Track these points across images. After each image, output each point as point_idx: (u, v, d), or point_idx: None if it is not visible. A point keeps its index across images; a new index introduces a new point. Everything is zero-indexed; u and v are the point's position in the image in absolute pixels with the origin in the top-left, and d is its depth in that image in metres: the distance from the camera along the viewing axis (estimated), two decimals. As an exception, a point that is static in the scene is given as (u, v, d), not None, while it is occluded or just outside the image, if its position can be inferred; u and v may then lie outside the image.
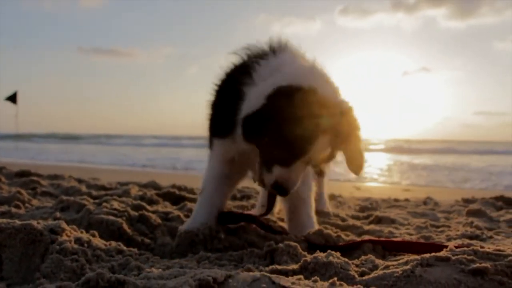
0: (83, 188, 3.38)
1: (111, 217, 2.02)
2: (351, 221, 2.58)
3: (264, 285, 1.17)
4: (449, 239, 2.09)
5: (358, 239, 2.03)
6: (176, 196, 3.17)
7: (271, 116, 1.77)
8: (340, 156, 1.98)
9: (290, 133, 1.74)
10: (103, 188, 3.59)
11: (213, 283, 1.17)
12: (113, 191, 3.28)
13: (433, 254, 1.40)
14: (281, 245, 1.65)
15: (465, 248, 1.45)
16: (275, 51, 2.02)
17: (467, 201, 3.69)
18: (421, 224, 2.53)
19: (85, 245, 1.52)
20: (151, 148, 20.52)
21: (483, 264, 1.30)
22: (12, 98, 14.22)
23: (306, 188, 2.17)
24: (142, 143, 28.07)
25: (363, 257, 1.59)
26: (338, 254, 1.49)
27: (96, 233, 1.73)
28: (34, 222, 1.49)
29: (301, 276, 1.31)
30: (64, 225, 1.57)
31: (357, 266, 1.51)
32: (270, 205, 2.16)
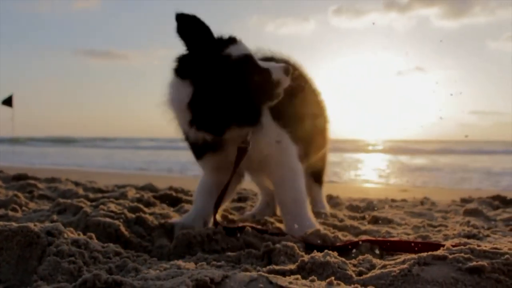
0: (80, 191, 3.38)
1: (108, 219, 2.01)
2: (348, 222, 2.58)
3: (261, 285, 1.18)
4: (446, 239, 2.10)
5: (356, 239, 2.03)
6: (173, 198, 3.18)
7: None
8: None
9: None
10: (100, 190, 3.59)
11: (210, 283, 1.17)
12: (110, 193, 3.28)
13: (430, 253, 1.41)
14: (278, 245, 1.66)
15: (462, 247, 1.45)
16: None
17: (464, 200, 3.70)
18: (418, 224, 2.54)
19: (82, 247, 1.51)
20: (148, 151, 20.49)
21: (480, 263, 1.30)
22: (8, 102, 14.18)
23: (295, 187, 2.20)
24: (138, 145, 28.03)
25: (360, 257, 1.60)
26: (335, 254, 1.50)
27: (93, 235, 1.73)
28: (31, 225, 1.49)
29: (299, 276, 1.31)
30: (61, 227, 1.57)
31: (354, 265, 1.51)
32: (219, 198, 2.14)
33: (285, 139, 2.16)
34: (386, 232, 2.29)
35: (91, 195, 3.13)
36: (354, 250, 1.83)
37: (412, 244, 1.81)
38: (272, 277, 1.23)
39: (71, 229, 1.69)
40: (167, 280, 1.20)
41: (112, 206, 2.35)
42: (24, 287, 1.32)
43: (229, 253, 1.74)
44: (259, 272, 1.30)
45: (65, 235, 1.55)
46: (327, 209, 2.99)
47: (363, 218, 2.84)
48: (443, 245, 1.55)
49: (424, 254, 1.41)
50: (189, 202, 3.06)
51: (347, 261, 1.48)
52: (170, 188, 3.71)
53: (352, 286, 1.25)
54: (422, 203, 3.69)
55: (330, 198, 3.64)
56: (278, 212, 2.86)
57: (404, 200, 3.85)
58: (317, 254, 1.47)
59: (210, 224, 2.16)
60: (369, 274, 1.37)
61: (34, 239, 1.45)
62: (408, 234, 2.28)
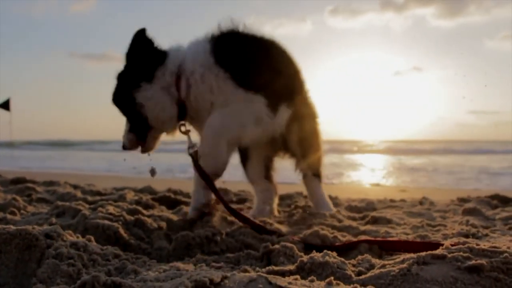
0: (79, 194, 3.37)
1: (107, 222, 2.01)
2: (347, 222, 2.58)
3: (260, 286, 1.18)
4: (445, 238, 2.10)
5: (355, 239, 2.03)
6: (172, 200, 3.18)
7: None
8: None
9: None
10: (98, 193, 3.59)
11: (209, 284, 1.17)
12: (108, 196, 3.28)
13: (429, 252, 1.41)
14: (277, 246, 1.66)
15: (461, 246, 1.45)
16: None
17: (462, 200, 3.70)
18: (417, 224, 2.55)
19: (81, 249, 1.51)
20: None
21: (479, 261, 1.31)
22: (5, 105, 14.15)
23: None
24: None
25: (359, 257, 1.60)
26: (334, 254, 1.50)
27: (92, 238, 1.73)
28: (30, 227, 1.49)
29: (298, 277, 1.31)
30: (60, 230, 1.57)
31: (353, 265, 1.51)
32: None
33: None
34: (385, 232, 2.30)
35: (90, 198, 3.13)
36: (353, 250, 1.83)
37: (411, 244, 1.82)
38: (271, 277, 1.23)
39: (70, 231, 1.69)
40: (166, 282, 1.20)
41: (111, 209, 2.35)
42: (23, 290, 1.32)
43: (228, 254, 1.74)
44: (258, 273, 1.30)
45: (64, 238, 1.55)
46: (331, 207, 2.89)
47: (362, 218, 2.84)
48: (442, 244, 1.55)
49: (423, 253, 1.41)
50: (188, 204, 3.06)
51: (346, 261, 1.48)
52: (169, 190, 3.71)
53: (352, 286, 1.25)
54: (421, 203, 3.69)
55: (329, 198, 3.64)
56: (276, 212, 2.89)
57: (403, 200, 3.85)
58: (316, 254, 1.47)
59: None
60: (369, 274, 1.37)
61: (32, 241, 1.44)
62: (407, 234, 2.28)
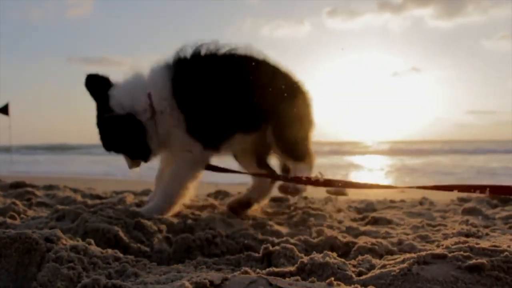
0: (79, 198, 3.36)
1: (107, 225, 2.01)
2: (347, 223, 2.59)
3: (261, 287, 1.18)
4: (445, 238, 2.10)
5: (355, 240, 2.03)
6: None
7: None
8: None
9: None
10: (98, 197, 3.58)
11: (209, 286, 1.17)
12: (108, 199, 3.27)
13: (429, 252, 1.41)
14: (277, 247, 1.66)
15: (461, 245, 1.45)
16: None
17: (462, 200, 3.70)
18: (417, 224, 2.55)
19: (82, 253, 1.51)
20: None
21: (480, 260, 1.31)
22: (4, 110, 14.12)
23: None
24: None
25: (360, 257, 1.60)
26: (334, 254, 1.50)
27: (92, 241, 1.73)
28: (30, 231, 1.48)
29: (298, 278, 1.31)
30: (59, 233, 1.57)
31: (354, 266, 1.51)
32: None
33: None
34: (386, 232, 2.30)
35: (90, 202, 3.12)
36: (353, 251, 1.83)
37: None
38: (272, 279, 1.23)
39: (70, 235, 1.69)
40: (166, 284, 1.20)
41: (111, 212, 2.34)
42: (24, 294, 1.31)
43: (229, 256, 1.74)
44: (258, 274, 1.30)
45: (64, 241, 1.55)
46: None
47: (362, 219, 2.84)
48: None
49: (423, 253, 1.41)
50: (189, 206, 3.06)
51: (347, 262, 1.48)
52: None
53: (352, 286, 1.25)
54: (420, 203, 3.69)
55: (329, 199, 3.64)
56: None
57: (402, 201, 3.85)
58: (316, 255, 1.47)
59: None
60: (369, 274, 1.37)
61: (33, 245, 1.44)
62: (408, 234, 2.28)
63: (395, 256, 1.70)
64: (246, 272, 1.44)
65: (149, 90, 2.45)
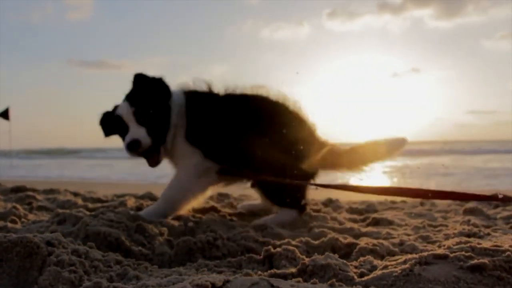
0: (79, 201, 3.36)
1: (108, 229, 2.01)
2: (348, 224, 2.58)
3: (263, 289, 1.17)
4: (447, 238, 2.10)
5: (356, 241, 2.03)
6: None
7: None
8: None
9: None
10: (99, 200, 3.58)
11: (211, 288, 1.17)
12: (109, 203, 3.27)
13: (431, 252, 1.41)
14: (279, 249, 1.66)
15: (463, 245, 1.45)
16: None
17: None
18: (418, 225, 2.54)
19: (83, 256, 1.51)
20: (143, 160, 20.36)
21: (481, 260, 1.30)
22: (4, 114, 14.12)
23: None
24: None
25: (361, 258, 1.60)
26: (336, 256, 1.50)
27: (93, 245, 1.72)
28: (31, 235, 1.48)
29: (300, 279, 1.31)
30: (61, 237, 1.57)
31: (355, 267, 1.51)
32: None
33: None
34: (387, 233, 2.29)
35: (91, 205, 3.12)
36: (354, 252, 1.83)
37: None
38: (273, 280, 1.23)
39: (71, 239, 1.68)
40: (168, 287, 1.20)
41: (112, 215, 2.34)
42: (25, 298, 1.31)
43: (230, 259, 1.74)
44: (260, 276, 1.30)
45: (65, 245, 1.54)
46: None
47: (363, 220, 2.84)
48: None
49: (425, 253, 1.41)
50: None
51: (348, 263, 1.48)
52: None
53: (354, 287, 1.25)
54: (421, 204, 3.68)
55: (330, 201, 3.64)
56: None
57: (403, 202, 3.85)
58: (317, 257, 1.47)
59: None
60: (371, 275, 1.37)
61: (34, 249, 1.44)
62: (409, 235, 2.27)
63: (396, 257, 1.70)
64: (247, 274, 1.44)
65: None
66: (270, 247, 1.70)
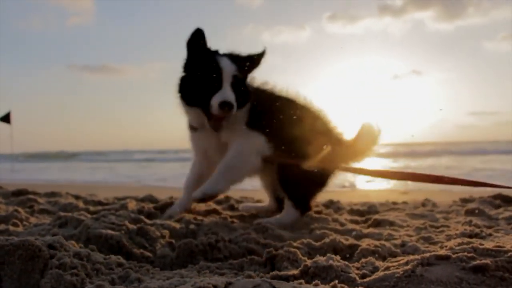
0: (81, 204, 3.36)
1: (109, 231, 2.01)
2: (350, 226, 2.58)
3: (265, 291, 1.17)
4: (449, 239, 2.10)
5: (358, 242, 2.03)
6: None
7: (186, 74, 2.64)
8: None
9: (201, 71, 2.53)
10: (100, 203, 3.58)
11: (214, 290, 1.17)
12: (110, 206, 3.27)
13: (433, 253, 1.41)
14: (280, 251, 1.66)
15: (465, 246, 1.45)
16: None
17: (465, 200, 3.69)
18: (420, 225, 2.54)
19: (85, 259, 1.51)
20: (143, 163, 20.44)
21: (484, 261, 1.30)
22: (6, 119, 14.14)
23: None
24: (133, 158, 27.96)
25: (363, 260, 1.60)
26: (338, 257, 1.50)
27: (95, 248, 1.73)
28: (32, 238, 1.48)
29: (302, 281, 1.31)
30: (62, 240, 1.57)
31: (357, 268, 1.51)
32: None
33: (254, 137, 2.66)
34: (388, 234, 2.29)
35: (92, 208, 3.12)
36: (356, 253, 1.83)
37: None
38: (275, 282, 1.23)
39: (73, 242, 1.68)
40: (170, 289, 1.20)
41: (113, 218, 2.34)
42: (27, 301, 1.31)
43: (232, 261, 1.74)
44: (262, 278, 1.30)
45: (67, 248, 1.55)
46: None
47: (365, 221, 2.83)
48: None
49: (427, 254, 1.40)
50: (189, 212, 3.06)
51: (350, 264, 1.48)
52: (171, 199, 3.70)
53: (356, 288, 1.25)
54: (423, 204, 3.68)
55: (331, 203, 3.64)
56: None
57: (405, 203, 3.84)
58: (319, 259, 1.47)
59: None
60: (373, 277, 1.37)
61: (36, 252, 1.44)
62: (411, 236, 2.27)
63: (398, 258, 1.70)
64: (249, 276, 1.44)
65: None
66: (272, 249, 1.70)
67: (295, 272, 1.43)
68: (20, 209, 2.83)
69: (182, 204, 2.94)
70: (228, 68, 2.51)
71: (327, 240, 2.02)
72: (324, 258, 1.47)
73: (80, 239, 1.98)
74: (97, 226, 2.09)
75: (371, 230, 2.47)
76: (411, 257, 1.47)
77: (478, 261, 1.31)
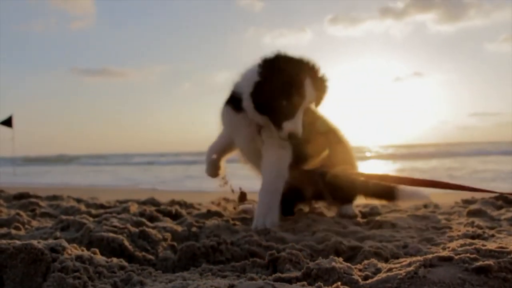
0: (82, 207, 3.36)
1: (111, 234, 2.01)
2: (352, 227, 2.58)
3: (268, 293, 1.17)
4: (451, 240, 2.09)
5: (360, 244, 2.03)
6: (176, 211, 3.16)
7: (267, 83, 2.44)
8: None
9: (286, 91, 2.40)
10: (102, 206, 3.58)
11: (216, 293, 1.17)
12: (112, 209, 3.27)
13: (435, 254, 1.41)
14: (283, 253, 1.65)
15: (468, 247, 1.45)
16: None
17: (467, 202, 3.69)
18: (422, 227, 2.54)
19: (87, 262, 1.51)
20: (143, 166, 20.45)
21: (487, 262, 1.30)
22: (8, 122, 14.16)
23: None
24: (132, 161, 27.99)
25: (365, 261, 1.59)
26: (340, 259, 1.49)
27: (97, 251, 1.72)
28: (35, 242, 1.48)
29: (305, 283, 1.31)
30: (64, 243, 1.57)
31: (360, 270, 1.50)
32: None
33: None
34: (391, 236, 2.29)
35: (94, 211, 3.13)
36: (358, 255, 1.83)
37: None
38: (278, 284, 1.23)
39: (75, 245, 1.68)
40: (173, 292, 1.20)
41: (115, 221, 2.35)
42: (30, 305, 1.31)
43: (234, 263, 1.73)
44: (265, 281, 1.29)
45: (69, 251, 1.55)
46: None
47: (367, 223, 2.83)
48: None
49: (430, 256, 1.40)
50: (191, 214, 3.06)
51: (353, 266, 1.48)
52: (172, 202, 3.71)
53: (359, 290, 1.25)
54: (425, 206, 3.67)
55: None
56: None
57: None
58: (322, 261, 1.47)
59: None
60: (375, 278, 1.36)
61: (38, 256, 1.44)
62: (413, 237, 2.27)
63: (401, 260, 1.69)
64: (252, 279, 1.44)
65: None
66: (274, 251, 1.69)
67: (297, 274, 1.43)
68: (22, 213, 2.84)
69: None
70: (309, 97, 2.49)
71: (329, 242, 2.02)
72: (327, 260, 1.47)
73: (82, 242, 1.98)
74: (99, 229, 2.10)
75: (373, 231, 2.46)
76: (414, 258, 1.46)
77: (480, 262, 1.30)
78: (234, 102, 2.69)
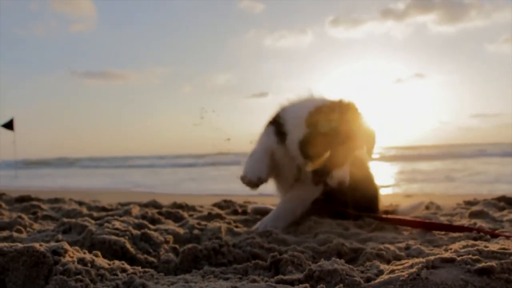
0: (84, 210, 3.37)
1: (113, 237, 2.01)
2: (354, 229, 2.57)
3: (270, 295, 1.17)
4: (453, 241, 2.09)
5: (362, 246, 2.02)
6: (178, 214, 3.17)
7: (318, 136, 2.40)
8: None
9: (337, 142, 2.39)
10: (104, 209, 3.58)
11: (219, 295, 1.17)
12: (114, 211, 3.27)
13: (438, 256, 1.40)
14: (285, 255, 1.65)
15: (470, 248, 1.45)
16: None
17: (469, 203, 3.69)
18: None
19: (89, 265, 1.51)
20: (144, 169, 20.46)
21: (489, 263, 1.30)
22: (9, 125, 14.19)
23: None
24: (132, 164, 28.00)
25: (367, 263, 1.59)
26: (342, 261, 1.49)
27: (99, 253, 1.72)
28: (37, 244, 1.48)
29: (307, 285, 1.31)
30: (66, 246, 1.57)
31: (362, 272, 1.50)
32: None
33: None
34: (393, 237, 2.28)
35: (95, 214, 3.13)
36: (360, 257, 1.82)
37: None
38: (280, 286, 1.23)
39: (77, 247, 1.68)
40: (175, 294, 1.20)
41: (117, 224, 2.35)
42: (32, 308, 1.31)
43: (236, 265, 1.73)
44: (267, 283, 1.29)
45: (71, 254, 1.54)
46: None
47: (369, 225, 2.83)
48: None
49: (432, 257, 1.40)
50: (193, 217, 3.06)
51: (355, 268, 1.48)
52: (174, 204, 3.71)
53: (361, 292, 1.24)
54: (427, 207, 3.67)
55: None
56: None
57: (408, 206, 3.82)
58: (324, 262, 1.47)
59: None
60: (378, 280, 1.36)
61: (40, 258, 1.44)
62: (415, 239, 2.26)
63: (403, 261, 1.69)
64: (254, 281, 1.43)
65: None
66: (276, 253, 1.69)
67: (299, 276, 1.43)
68: (23, 216, 2.84)
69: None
70: (359, 147, 2.58)
71: (331, 244, 2.02)
72: (329, 262, 1.47)
73: (84, 245, 1.98)
74: (101, 231, 2.10)
75: (375, 233, 2.46)
76: (416, 260, 1.46)
77: (483, 264, 1.30)
78: (277, 131, 2.65)
